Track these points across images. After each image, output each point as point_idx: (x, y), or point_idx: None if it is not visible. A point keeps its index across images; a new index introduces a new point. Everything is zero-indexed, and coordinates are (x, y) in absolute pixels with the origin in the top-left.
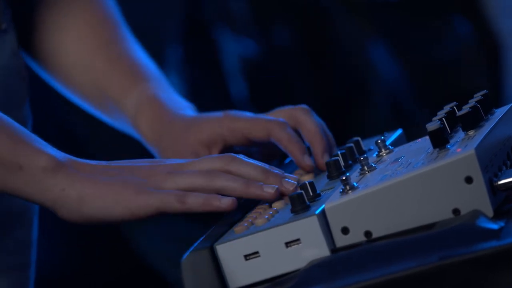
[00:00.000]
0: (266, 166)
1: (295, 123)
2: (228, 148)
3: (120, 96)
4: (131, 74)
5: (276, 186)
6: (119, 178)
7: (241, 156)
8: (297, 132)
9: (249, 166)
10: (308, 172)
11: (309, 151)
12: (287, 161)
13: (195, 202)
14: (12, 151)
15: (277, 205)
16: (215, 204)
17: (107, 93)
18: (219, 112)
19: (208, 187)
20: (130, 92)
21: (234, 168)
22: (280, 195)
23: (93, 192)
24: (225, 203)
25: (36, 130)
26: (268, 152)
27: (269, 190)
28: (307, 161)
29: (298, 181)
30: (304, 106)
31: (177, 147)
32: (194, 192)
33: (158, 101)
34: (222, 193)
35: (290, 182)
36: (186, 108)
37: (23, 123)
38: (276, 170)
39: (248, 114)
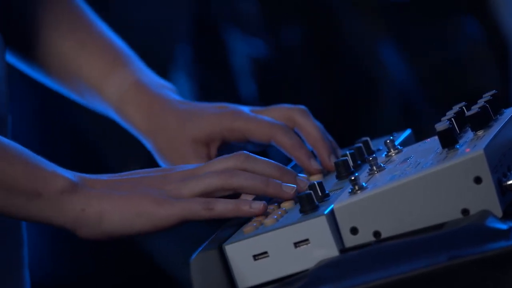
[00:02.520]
0: (279, 164)
1: (293, 124)
2: (225, 144)
3: (98, 82)
4: (107, 58)
5: (295, 186)
6: (136, 191)
7: (253, 154)
8: (295, 133)
9: (264, 163)
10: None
11: (312, 154)
12: (289, 166)
13: (224, 208)
14: (29, 179)
15: (286, 205)
16: (245, 209)
17: (83, 79)
18: (213, 104)
19: (226, 186)
20: (110, 78)
21: (249, 166)
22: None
23: (112, 207)
24: (257, 207)
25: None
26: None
27: (288, 190)
28: (314, 165)
29: (308, 180)
30: (301, 106)
31: (174, 145)
32: (212, 194)
33: (143, 88)
34: (240, 191)
35: (304, 180)
36: (169, 92)
37: (4, 120)
38: (290, 168)
39: (246, 110)
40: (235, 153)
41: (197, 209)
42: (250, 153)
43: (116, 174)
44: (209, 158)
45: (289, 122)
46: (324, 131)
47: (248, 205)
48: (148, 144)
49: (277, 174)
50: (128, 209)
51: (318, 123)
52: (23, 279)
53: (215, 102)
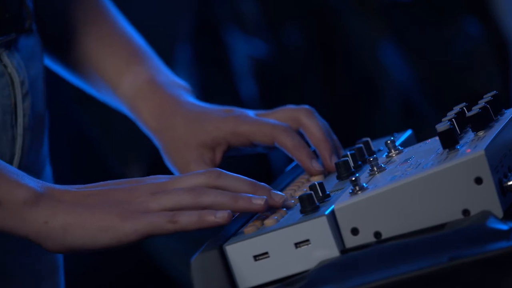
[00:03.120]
0: (252, 180)
1: (298, 125)
2: (231, 149)
3: (113, 78)
4: (124, 55)
5: (265, 197)
6: (102, 204)
7: (225, 172)
8: (300, 133)
9: (236, 180)
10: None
11: (315, 154)
12: (291, 166)
13: (188, 220)
14: None
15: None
16: (210, 220)
17: (100, 74)
18: (220, 108)
19: (195, 204)
20: (125, 74)
21: (220, 183)
22: (269, 208)
23: (76, 221)
24: (221, 217)
25: (49, 132)
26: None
27: (258, 202)
28: (315, 166)
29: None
30: (307, 107)
31: (179, 146)
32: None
33: (157, 86)
34: (210, 209)
35: (279, 194)
36: (184, 93)
37: (43, 116)
38: (263, 184)
39: (251, 114)
40: (208, 169)
41: (161, 223)
42: (223, 170)
43: (86, 185)
44: (214, 163)
45: (293, 122)
46: (329, 130)
47: (212, 216)
48: (156, 143)
49: (250, 190)
50: (92, 224)
51: (324, 123)
52: (58, 283)
53: (215, 102)
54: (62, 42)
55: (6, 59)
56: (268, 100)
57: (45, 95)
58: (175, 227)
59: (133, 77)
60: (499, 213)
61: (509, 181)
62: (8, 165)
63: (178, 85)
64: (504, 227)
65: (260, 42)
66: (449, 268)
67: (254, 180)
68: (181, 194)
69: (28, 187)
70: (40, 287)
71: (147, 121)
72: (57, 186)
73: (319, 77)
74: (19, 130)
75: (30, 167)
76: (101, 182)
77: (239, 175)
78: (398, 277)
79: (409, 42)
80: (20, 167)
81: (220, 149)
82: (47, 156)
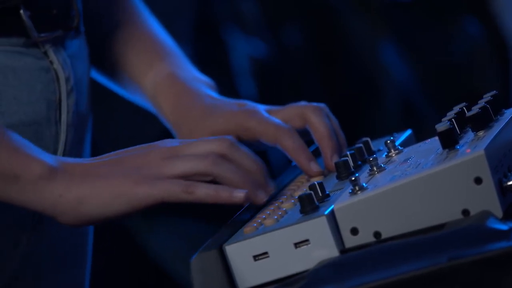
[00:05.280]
0: (257, 158)
1: (304, 121)
2: (243, 143)
3: (138, 76)
4: (150, 52)
5: (266, 196)
6: (115, 172)
7: (236, 142)
8: (307, 130)
9: (245, 155)
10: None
11: (318, 152)
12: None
13: (204, 193)
14: (8, 162)
15: (286, 205)
16: (225, 196)
17: (125, 71)
18: (235, 101)
19: (207, 172)
20: (148, 71)
21: (231, 154)
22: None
23: (89, 192)
24: (238, 196)
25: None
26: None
27: (260, 197)
28: (314, 168)
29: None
30: (318, 104)
31: (193, 137)
32: (192, 178)
33: (177, 81)
34: (218, 181)
35: (272, 184)
36: (204, 87)
37: (87, 118)
38: (264, 166)
39: (262, 109)
40: (220, 137)
41: (176, 191)
42: (235, 141)
43: (99, 156)
44: None
45: (300, 119)
46: (337, 129)
47: (229, 193)
48: (175, 135)
49: (253, 169)
50: (106, 192)
51: (334, 120)
52: (85, 273)
53: None
54: (93, 46)
55: (52, 55)
56: (268, 100)
57: (89, 97)
58: (190, 197)
59: (155, 74)
60: (499, 213)
61: (509, 181)
62: (24, 140)
63: (199, 80)
64: (503, 227)
65: (260, 42)
66: (449, 268)
67: (259, 161)
68: (194, 161)
69: (44, 161)
70: (77, 266)
71: (166, 114)
72: (71, 160)
73: (319, 77)
74: (63, 126)
75: None
76: (113, 152)
77: (248, 150)
78: (397, 277)
79: (409, 42)
80: None
81: None
82: (88, 157)
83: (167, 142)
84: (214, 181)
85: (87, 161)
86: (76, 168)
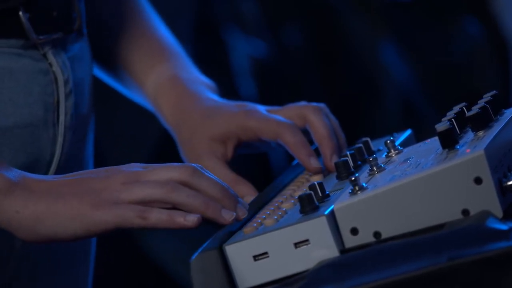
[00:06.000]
0: (225, 185)
1: (304, 121)
2: (242, 143)
3: (140, 76)
4: (153, 53)
5: (234, 213)
6: (76, 192)
7: (201, 169)
8: (306, 130)
9: (209, 182)
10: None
11: (316, 152)
12: (295, 162)
13: (157, 218)
14: None
15: (286, 205)
16: (179, 221)
17: (128, 71)
18: (234, 103)
19: (166, 200)
20: (150, 72)
21: (194, 181)
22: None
23: (46, 210)
24: (191, 220)
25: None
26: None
27: (227, 217)
28: (314, 164)
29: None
30: (318, 104)
31: (194, 141)
32: (150, 205)
33: (178, 83)
34: (179, 208)
35: (243, 209)
36: (205, 90)
37: (89, 118)
38: (232, 192)
39: (262, 109)
40: (184, 164)
41: (131, 217)
42: (199, 168)
43: (64, 175)
44: (226, 157)
45: (300, 119)
46: (337, 129)
47: (182, 217)
48: (174, 138)
49: (219, 196)
50: (62, 212)
51: (334, 121)
52: (89, 269)
53: None
54: (98, 48)
55: (51, 58)
56: (268, 100)
57: (91, 98)
58: (144, 223)
59: (157, 75)
60: (499, 213)
61: (509, 181)
62: None
63: (200, 82)
64: (503, 227)
65: (260, 42)
66: (448, 268)
67: (226, 186)
68: (154, 187)
69: (3, 175)
70: (76, 267)
71: (166, 116)
72: (34, 176)
73: (319, 77)
74: (61, 128)
75: (70, 166)
76: (78, 172)
77: (214, 177)
78: (397, 277)
79: (409, 42)
80: (59, 166)
81: (231, 144)
82: (91, 158)
83: (132, 166)
84: (176, 208)
85: (50, 178)
86: (37, 184)
